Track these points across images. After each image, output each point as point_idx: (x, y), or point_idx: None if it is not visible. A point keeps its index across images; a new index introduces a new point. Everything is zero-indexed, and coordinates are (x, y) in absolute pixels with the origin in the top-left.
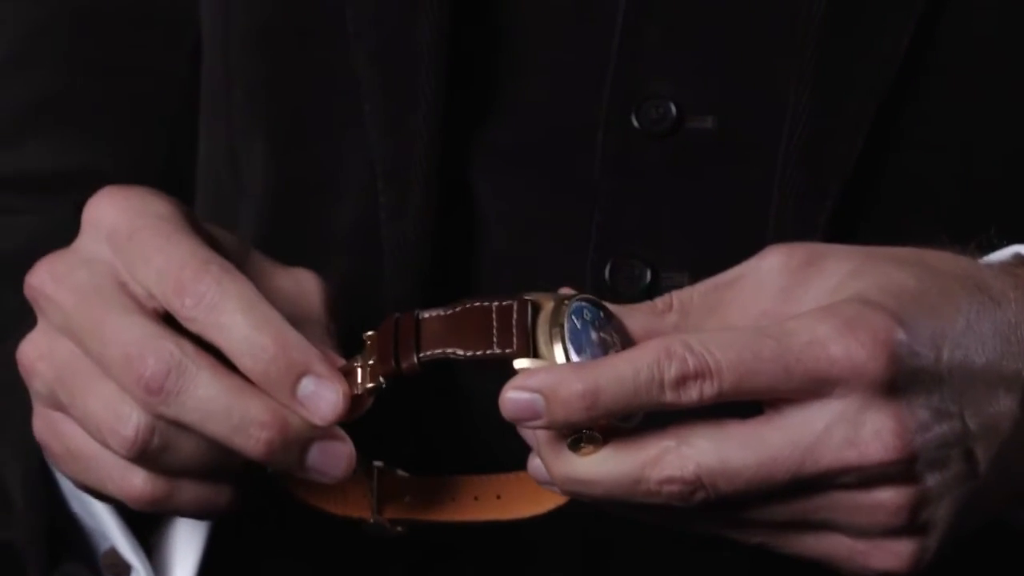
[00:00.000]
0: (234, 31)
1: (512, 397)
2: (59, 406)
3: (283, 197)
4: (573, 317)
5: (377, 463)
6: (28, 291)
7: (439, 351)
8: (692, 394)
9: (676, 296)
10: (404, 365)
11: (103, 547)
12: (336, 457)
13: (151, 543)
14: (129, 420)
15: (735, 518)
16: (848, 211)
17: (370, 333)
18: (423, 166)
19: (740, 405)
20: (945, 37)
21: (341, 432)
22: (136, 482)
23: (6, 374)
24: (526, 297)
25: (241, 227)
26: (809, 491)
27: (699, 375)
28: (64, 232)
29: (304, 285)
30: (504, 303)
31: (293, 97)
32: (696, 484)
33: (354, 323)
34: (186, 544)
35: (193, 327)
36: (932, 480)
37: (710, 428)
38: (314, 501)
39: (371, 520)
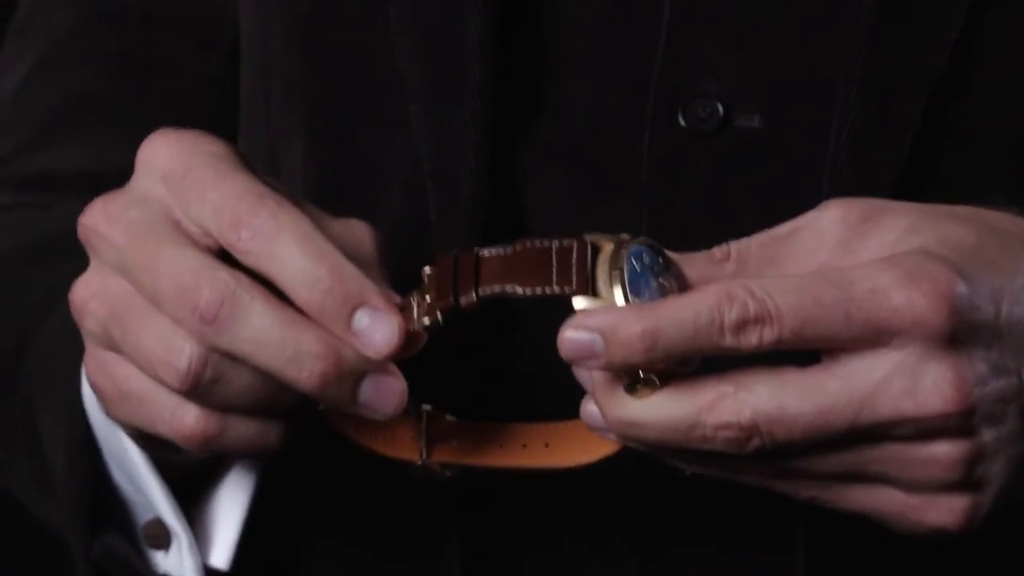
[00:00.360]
0: (272, 30)
1: (571, 336)
2: (112, 345)
3: (323, 198)
4: (632, 259)
5: (426, 406)
6: (81, 231)
7: (498, 288)
8: (752, 339)
9: (734, 246)
10: (463, 301)
11: (144, 518)
12: (388, 392)
13: (192, 515)
14: (182, 352)
15: (788, 468)
16: None
17: (427, 269)
18: (472, 166)
19: (798, 354)
20: (994, 28)
21: (394, 368)
22: (188, 419)
23: (53, 342)
24: (586, 238)
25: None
26: (865, 442)
27: (759, 320)
28: None
29: (356, 233)
30: (564, 243)
31: (333, 97)
32: (752, 430)
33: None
34: (227, 515)
35: (248, 260)
36: (988, 435)
37: (768, 375)
38: (363, 440)
39: (418, 462)
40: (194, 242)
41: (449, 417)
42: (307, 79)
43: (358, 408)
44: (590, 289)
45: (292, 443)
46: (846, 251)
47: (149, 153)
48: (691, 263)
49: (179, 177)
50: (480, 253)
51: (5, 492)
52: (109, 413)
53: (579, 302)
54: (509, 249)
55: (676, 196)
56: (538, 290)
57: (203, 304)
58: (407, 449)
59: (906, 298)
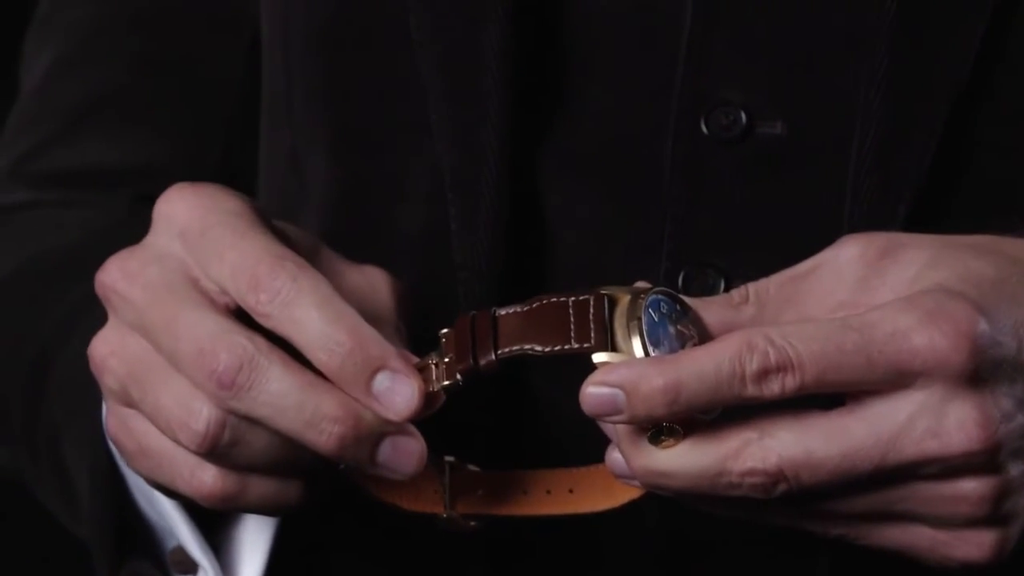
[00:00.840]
0: (294, 33)
1: (592, 392)
2: (130, 402)
3: (346, 202)
4: (650, 310)
5: (449, 458)
6: (99, 288)
7: (517, 348)
8: (774, 387)
9: (752, 288)
10: (482, 362)
11: (170, 544)
12: (407, 454)
13: (218, 541)
14: (200, 415)
15: (815, 510)
16: (922, 217)
17: (445, 331)
18: (492, 176)
19: (821, 397)
20: (1018, 34)
21: (413, 429)
22: (206, 479)
23: (74, 370)
24: (602, 291)
25: (316, 241)
26: (891, 482)
27: (781, 368)
28: (119, 227)
29: (375, 283)
30: (580, 298)
31: (355, 104)
32: (778, 476)
33: (419, 331)
34: (254, 542)
35: (268, 323)
36: (1015, 470)
37: (792, 420)
38: (386, 497)
39: (444, 515)
40: (213, 303)
41: (472, 467)
42: (329, 85)
43: (377, 469)
44: (609, 343)
45: (312, 501)
46: (865, 289)
47: (167, 208)
48: (709, 308)
49: (197, 235)
50: (497, 313)
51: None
52: (131, 467)
53: (599, 357)
54: (525, 307)
55: (699, 204)
56: (557, 347)
57: (221, 368)
58: (431, 503)
59: (927, 339)
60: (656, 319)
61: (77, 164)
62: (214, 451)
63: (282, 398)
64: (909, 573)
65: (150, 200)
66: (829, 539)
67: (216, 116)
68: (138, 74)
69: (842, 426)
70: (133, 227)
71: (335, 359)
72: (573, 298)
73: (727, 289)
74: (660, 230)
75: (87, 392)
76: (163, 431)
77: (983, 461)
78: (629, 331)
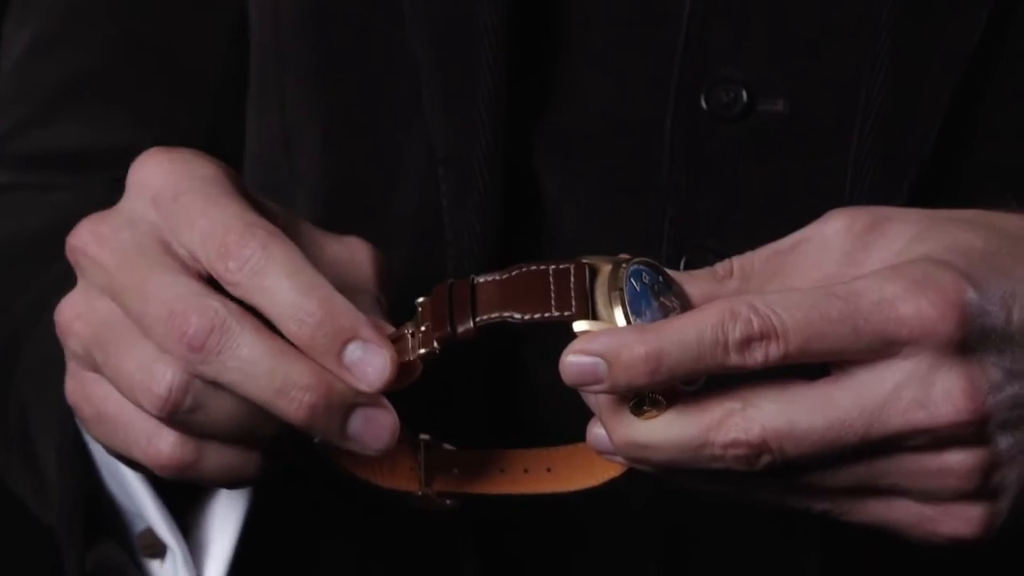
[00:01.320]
0: (285, 15)
1: (573, 361)
2: (93, 366)
3: (340, 185)
4: (632, 280)
5: (424, 436)
6: (69, 252)
7: (496, 315)
8: (757, 356)
9: (736, 261)
10: (460, 330)
11: (139, 527)
12: (379, 427)
13: (187, 525)
14: (163, 378)
15: (799, 484)
16: (924, 199)
17: (422, 299)
18: (485, 153)
19: (806, 366)
20: (1023, 17)
21: (386, 402)
22: (163, 447)
23: (44, 351)
24: (583, 260)
25: (296, 215)
26: (877, 454)
27: (764, 336)
28: (97, 208)
29: (356, 254)
30: (561, 266)
31: (349, 83)
32: (762, 447)
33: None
34: (223, 525)
35: (237, 292)
36: (1004, 442)
37: (776, 390)
38: (361, 473)
39: (419, 493)
40: (184, 267)
41: (447, 446)
42: (322, 65)
43: (347, 442)
44: (590, 312)
45: (271, 474)
46: (851, 262)
47: (140, 173)
48: (693, 280)
49: (169, 201)
50: (476, 280)
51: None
52: (89, 433)
53: (579, 325)
54: (505, 275)
55: (699, 184)
56: (536, 315)
57: (192, 331)
58: (407, 480)
59: (914, 307)
60: (638, 289)
61: (55, 146)
62: (175, 416)
63: (253, 364)
64: (899, 559)
65: None
66: (814, 516)
67: (199, 99)
68: (117, 55)
69: (827, 396)
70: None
71: (305, 329)
72: (554, 266)
73: None
74: (661, 213)
75: (56, 372)
76: (125, 395)
77: (971, 432)
78: (611, 300)
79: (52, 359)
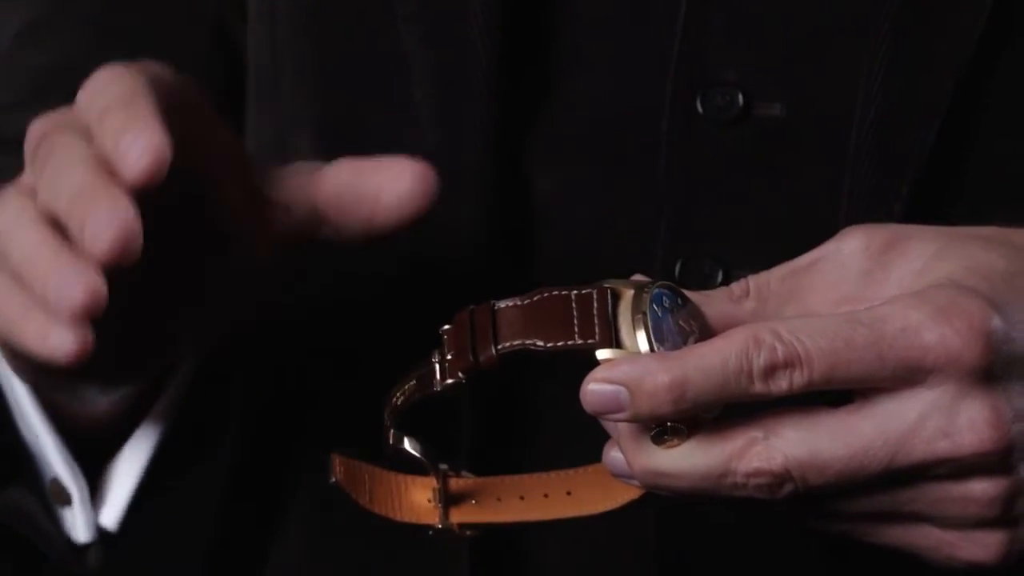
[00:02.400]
0: (280, 15)
1: (595, 389)
2: None
3: None
4: (654, 305)
5: (442, 466)
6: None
7: (518, 342)
8: (782, 384)
9: (752, 281)
10: (482, 358)
11: (49, 476)
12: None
13: (96, 474)
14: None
15: (822, 510)
16: (925, 201)
17: (446, 327)
18: (475, 153)
19: (829, 394)
20: (1021, 19)
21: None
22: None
23: None
24: (606, 285)
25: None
26: (900, 483)
27: (789, 364)
28: None
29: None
30: (584, 291)
31: (343, 83)
32: (784, 476)
33: (410, 314)
34: (127, 470)
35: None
36: None
37: (798, 418)
38: (378, 508)
39: (439, 525)
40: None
41: (465, 474)
42: (316, 64)
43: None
44: (614, 339)
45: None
46: (870, 282)
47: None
48: (709, 301)
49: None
50: (496, 307)
51: None
52: None
53: (603, 353)
54: (525, 300)
55: (695, 191)
56: (560, 343)
57: None
58: (424, 514)
59: (939, 335)
60: (660, 314)
61: None
62: None
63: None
64: None
65: None
66: (831, 537)
67: None
68: (103, 44)
69: (850, 425)
70: None
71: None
72: (576, 291)
73: (725, 279)
74: (656, 218)
75: None
76: None
77: (995, 462)
78: (634, 326)
79: None
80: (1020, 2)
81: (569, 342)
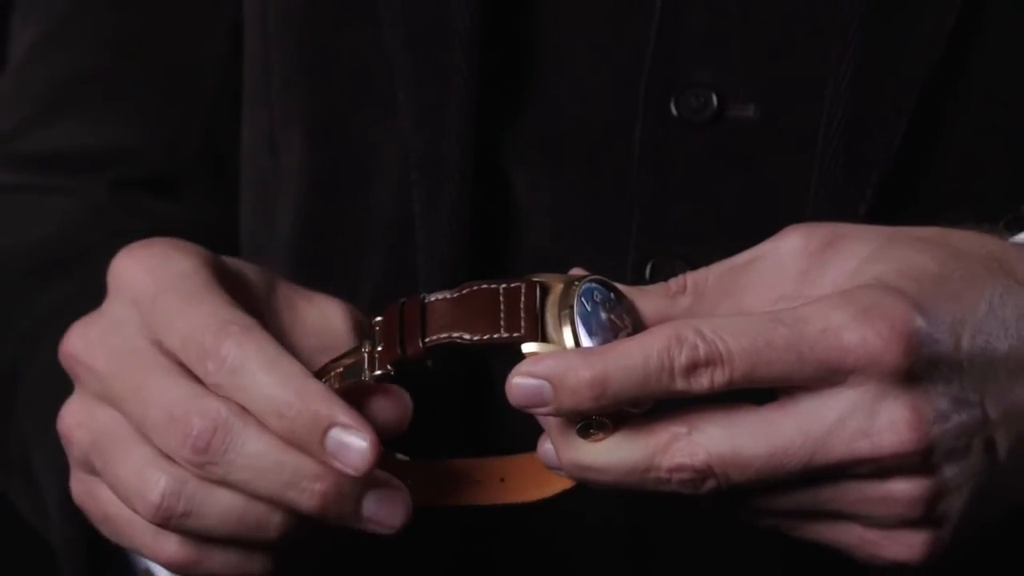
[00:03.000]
0: (272, 15)
1: (519, 383)
2: (94, 471)
3: (320, 187)
4: (583, 299)
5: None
6: (63, 359)
7: (445, 335)
8: (703, 382)
9: (690, 278)
10: (409, 350)
11: (142, 565)
12: (394, 506)
13: None
14: (156, 485)
15: (745, 506)
16: (891, 201)
17: (378, 318)
18: (457, 157)
19: (754, 390)
20: (991, 17)
21: (396, 480)
22: (167, 547)
23: (41, 387)
24: (535, 279)
25: (280, 216)
26: (821, 481)
27: (710, 362)
28: (97, 216)
29: (328, 315)
30: (512, 285)
31: (330, 84)
32: (706, 472)
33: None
34: None
35: (221, 392)
36: (950, 471)
37: (721, 415)
38: None
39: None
40: (180, 366)
41: (400, 456)
42: (304, 65)
43: (364, 524)
44: (539, 332)
45: (277, 570)
46: (806, 281)
47: (119, 273)
48: (645, 297)
49: (148, 302)
50: (426, 300)
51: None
52: (100, 530)
53: (528, 347)
54: (455, 293)
55: (668, 192)
56: (486, 336)
57: (195, 433)
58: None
59: (859, 337)
60: (589, 308)
61: (55, 147)
62: (169, 521)
63: (260, 459)
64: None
65: (129, 185)
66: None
67: (198, 99)
68: (118, 55)
69: (771, 422)
70: (109, 220)
71: (285, 422)
72: (504, 285)
73: None
74: (628, 219)
75: (54, 410)
76: (122, 500)
77: (916, 462)
78: (560, 320)
79: (52, 394)
80: (987, 5)
81: (495, 335)
